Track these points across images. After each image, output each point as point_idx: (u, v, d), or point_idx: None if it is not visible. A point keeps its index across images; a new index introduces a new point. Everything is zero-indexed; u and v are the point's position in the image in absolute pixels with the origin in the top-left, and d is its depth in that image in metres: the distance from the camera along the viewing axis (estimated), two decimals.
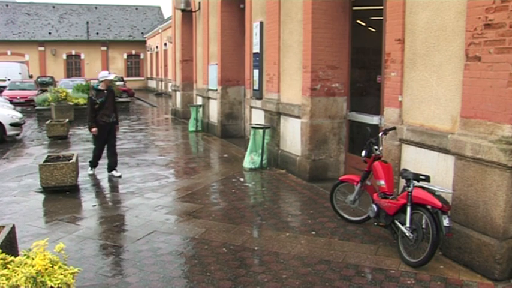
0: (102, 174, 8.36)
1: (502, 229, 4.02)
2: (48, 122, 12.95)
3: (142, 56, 45.08)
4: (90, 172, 8.32)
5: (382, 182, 4.96)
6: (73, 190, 7.16)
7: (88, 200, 6.71)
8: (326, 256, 4.61)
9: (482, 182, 4.17)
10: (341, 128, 7.65)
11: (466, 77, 4.35)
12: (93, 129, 8.03)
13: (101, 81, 8.08)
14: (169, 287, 3.98)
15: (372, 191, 5.24)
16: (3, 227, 3.79)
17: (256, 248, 4.83)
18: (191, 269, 4.36)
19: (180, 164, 9.48)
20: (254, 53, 10.09)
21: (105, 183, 7.68)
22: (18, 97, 21.72)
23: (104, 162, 9.50)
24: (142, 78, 44.79)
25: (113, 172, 8.25)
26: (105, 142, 8.24)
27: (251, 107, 10.44)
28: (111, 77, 8.31)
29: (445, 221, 4.11)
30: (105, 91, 8.08)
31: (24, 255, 3.00)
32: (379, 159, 5.14)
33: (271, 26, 8.96)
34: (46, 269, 2.83)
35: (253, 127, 9.12)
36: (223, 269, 4.32)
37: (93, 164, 8.35)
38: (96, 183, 7.67)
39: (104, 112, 8.03)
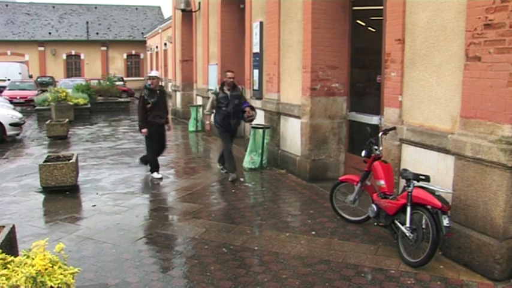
0: (102, 174, 8.36)
1: (502, 229, 4.02)
2: (48, 122, 12.96)
3: (142, 56, 45.05)
4: (159, 176, 7.99)
5: (382, 182, 4.96)
6: (73, 190, 7.17)
7: (88, 200, 6.71)
8: (326, 256, 4.61)
9: (482, 182, 4.17)
10: (341, 128, 7.65)
11: (466, 77, 4.35)
12: (144, 130, 7.80)
13: (151, 79, 7.87)
14: (169, 287, 3.98)
15: (372, 191, 5.24)
16: (3, 227, 3.79)
17: (256, 248, 4.83)
18: (191, 269, 4.36)
19: (180, 164, 9.48)
20: (254, 53, 10.09)
21: (105, 183, 7.67)
22: (18, 97, 21.72)
23: (104, 162, 9.50)
24: (142, 78, 44.68)
25: (154, 173, 8.08)
26: (157, 143, 8.06)
27: None
28: (153, 73, 8.05)
29: (445, 221, 4.12)
30: (158, 91, 7.89)
31: (24, 255, 3.00)
32: (379, 159, 5.14)
33: (271, 26, 8.96)
34: (46, 269, 2.83)
35: (253, 127, 9.10)
36: (223, 269, 4.32)
37: (155, 167, 8.08)
38: (96, 183, 7.67)
39: (157, 113, 7.83)
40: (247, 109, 7.77)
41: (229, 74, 7.92)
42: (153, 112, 7.76)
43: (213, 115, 8.11)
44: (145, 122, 7.76)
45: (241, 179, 7.94)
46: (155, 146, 8.06)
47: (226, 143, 7.95)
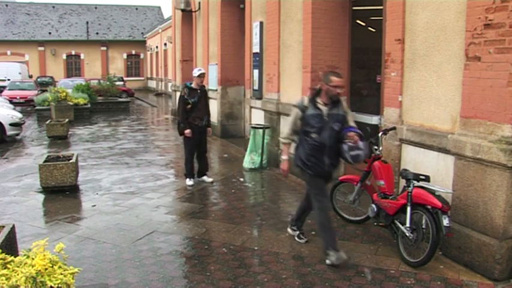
0: (101, 174, 8.36)
1: (502, 229, 4.02)
2: (48, 122, 12.95)
3: (142, 56, 45.09)
4: (191, 183, 7.46)
5: (382, 182, 4.96)
6: (73, 190, 7.17)
7: (88, 200, 6.71)
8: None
9: (482, 182, 4.17)
10: None
11: (465, 77, 4.36)
12: (187, 131, 7.18)
13: (197, 76, 7.19)
14: (169, 287, 3.98)
15: (372, 191, 5.24)
16: (3, 227, 3.79)
17: (256, 248, 4.83)
18: (191, 269, 4.36)
19: (180, 164, 9.46)
20: (254, 53, 10.09)
21: (105, 183, 7.67)
22: (18, 97, 21.72)
23: (104, 162, 9.50)
24: (142, 78, 44.79)
25: (204, 177, 7.69)
26: (196, 147, 7.47)
27: (251, 107, 10.44)
28: (197, 73, 7.25)
29: (445, 221, 4.12)
30: (199, 90, 7.28)
31: (24, 255, 3.00)
32: (379, 159, 5.14)
33: (271, 26, 8.96)
34: (46, 269, 2.82)
35: (253, 127, 9.12)
36: (223, 269, 4.32)
37: (190, 174, 7.53)
38: (96, 183, 7.66)
39: (197, 114, 7.25)
40: (351, 134, 4.34)
41: (336, 80, 4.40)
42: (193, 113, 7.23)
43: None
44: (187, 123, 7.23)
45: (241, 179, 7.94)
46: (192, 150, 7.48)
47: (321, 198, 4.59)
